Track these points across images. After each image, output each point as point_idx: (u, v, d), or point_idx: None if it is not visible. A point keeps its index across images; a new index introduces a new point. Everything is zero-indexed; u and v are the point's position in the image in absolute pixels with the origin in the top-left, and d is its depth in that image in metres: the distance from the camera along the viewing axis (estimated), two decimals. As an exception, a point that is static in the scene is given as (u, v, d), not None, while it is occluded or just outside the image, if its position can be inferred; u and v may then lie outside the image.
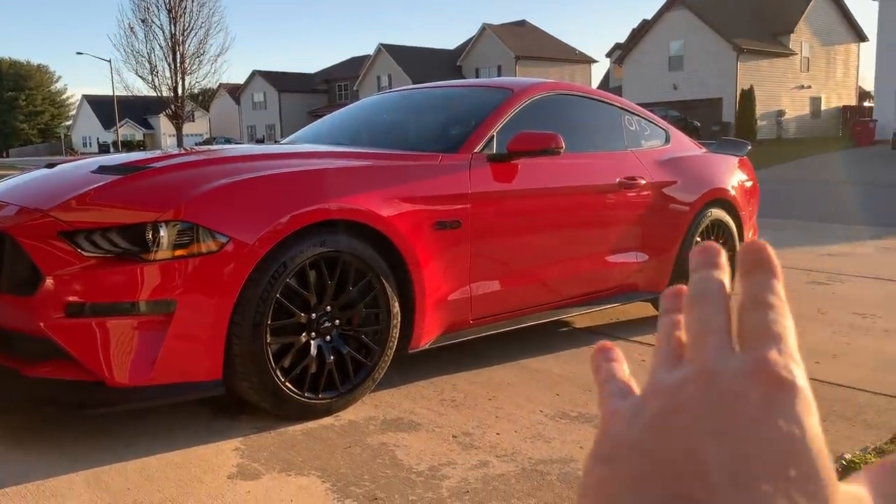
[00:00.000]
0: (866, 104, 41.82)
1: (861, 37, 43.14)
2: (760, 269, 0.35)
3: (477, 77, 47.91)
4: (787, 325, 0.33)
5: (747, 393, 0.30)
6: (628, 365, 0.38)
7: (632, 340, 3.99)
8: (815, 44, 40.44)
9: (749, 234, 4.95)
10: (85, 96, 76.05)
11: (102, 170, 2.96)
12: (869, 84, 41.46)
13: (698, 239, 4.40)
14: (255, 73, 63.31)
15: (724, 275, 0.36)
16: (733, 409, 0.30)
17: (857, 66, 43.96)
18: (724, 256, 0.37)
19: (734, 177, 4.79)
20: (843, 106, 41.78)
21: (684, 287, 0.39)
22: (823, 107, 41.41)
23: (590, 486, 0.31)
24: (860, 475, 0.32)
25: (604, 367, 0.40)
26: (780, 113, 38.70)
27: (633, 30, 45.56)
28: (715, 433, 0.29)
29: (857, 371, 3.49)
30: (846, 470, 2.45)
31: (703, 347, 0.33)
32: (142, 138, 69.35)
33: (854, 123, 32.77)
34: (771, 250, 0.36)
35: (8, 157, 66.25)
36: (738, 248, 4.46)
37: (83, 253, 2.53)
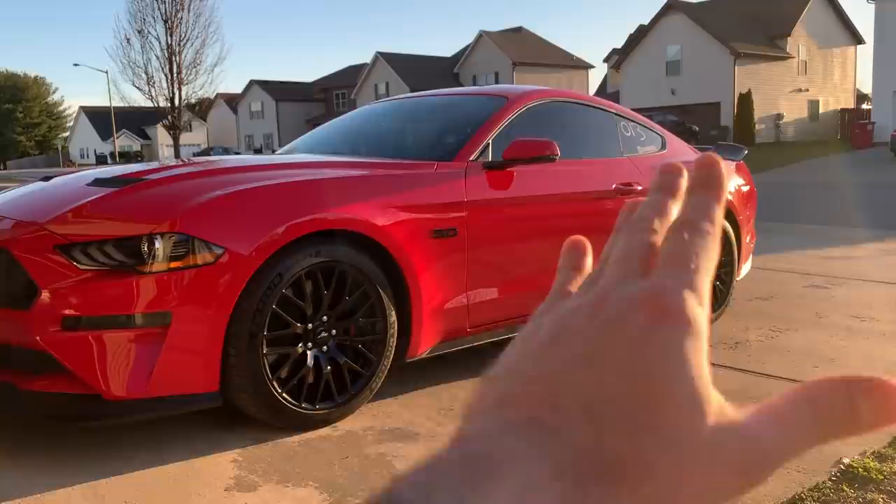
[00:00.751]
0: (864, 107, 41.89)
1: (858, 39, 43.26)
2: (703, 189, 0.32)
3: (474, 84, 47.99)
4: (705, 253, 0.30)
5: (630, 320, 0.28)
6: None
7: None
8: (812, 47, 40.54)
9: (747, 239, 4.95)
10: (82, 108, 76.18)
11: (98, 182, 2.96)
12: (867, 87, 41.55)
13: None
14: (252, 83, 63.41)
15: (675, 204, 0.34)
16: (612, 337, 0.28)
17: (855, 68, 44.07)
18: (684, 180, 0.35)
19: (731, 181, 4.79)
20: (841, 109, 41.84)
21: (583, 242, 0.39)
22: (821, 110, 41.49)
23: (469, 400, 0.30)
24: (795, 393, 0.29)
25: (566, 259, 0.38)
26: (779, 116, 38.77)
27: (630, 35, 45.68)
28: (586, 359, 0.28)
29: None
30: (844, 475, 2.44)
31: (610, 272, 0.31)
32: (139, 149, 69.41)
33: (852, 126, 32.82)
34: (723, 169, 0.33)
35: (6, 169, 66.32)
36: (735, 253, 4.43)
37: (79, 266, 2.53)
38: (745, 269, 5.01)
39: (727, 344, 4.03)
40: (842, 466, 2.49)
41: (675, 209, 0.33)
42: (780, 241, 7.87)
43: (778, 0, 39.77)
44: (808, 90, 40.45)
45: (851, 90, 44.17)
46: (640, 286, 0.29)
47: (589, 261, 0.38)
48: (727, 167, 0.33)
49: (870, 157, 24.44)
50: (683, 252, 0.30)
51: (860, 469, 2.46)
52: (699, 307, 0.29)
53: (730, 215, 4.67)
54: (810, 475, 2.44)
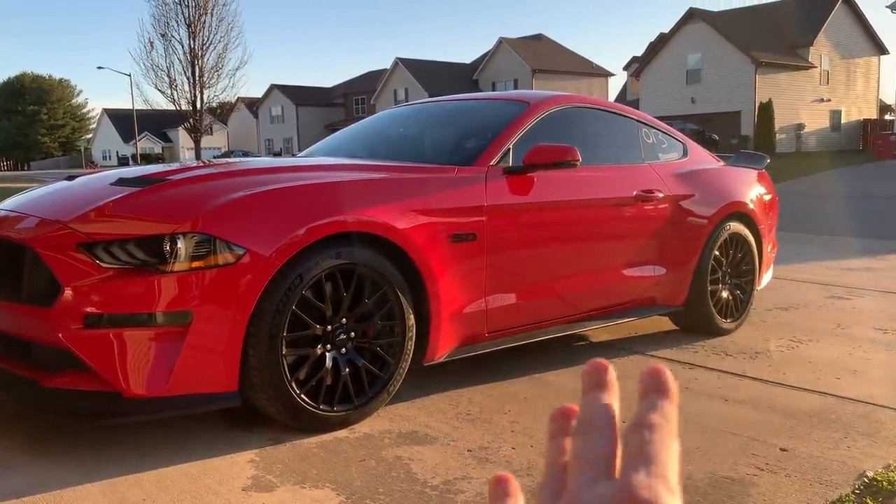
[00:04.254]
0: (887, 117, 41.44)
1: (882, 49, 42.84)
2: (654, 391, 0.36)
3: (494, 91, 48.00)
4: (664, 445, 0.33)
5: None
6: None
7: (648, 354, 3.96)
8: (834, 56, 40.19)
9: (768, 248, 4.91)
10: (105, 110, 76.96)
11: (121, 182, 2.98)
12: (890, 97, 41.12)
13: (717, 252, 4.37)
14: (272, 87, 63.79)
15: (612, 396, 0.37)
16: None
17: (878, 79, 43.62)
18: (612, 375, 0.38)
19: (753, 190, 4.75)
20: (864, 119, 41.42)
21: (573, 407, 0.40)
22: (843, 120, 41.08)
23: None
24: None
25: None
26: (800, 126, 38.44)
27: (651, 43, 45.56)
28: None
29: (878, 387, 3.44)
30: (867, 488, 2.41)
31: (578, 477, 0.34)
32: (161, 151, 70.00)
33: (874, 137, 32.47)
34: (668, 374, 0.37)
35: (29, 169, 67.12)
36: (756, 262, 4.40)
37: (101, 264, 2.55)
38: (765, 278, 4.96)
39: (747, 354, 3.99)
40: (865, 479, 2.46)
41: (614, 401, 0.37)
42: (802, 252, 7.79)
43: (800, 10, 39.47)
44: (829, 100, 40.07)
45: (874, 101, 43.72)
46: (615, 485, 0.32)
47: (574, 423, 0.40)
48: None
49: (892, 169, 24.16)
50: (646, 448, 0.33)
51: (884, 482, 2.42)
52: (671, 496, 0.31)
53: (751, 224, 4.63)
54: (833, 488, 2.41)
